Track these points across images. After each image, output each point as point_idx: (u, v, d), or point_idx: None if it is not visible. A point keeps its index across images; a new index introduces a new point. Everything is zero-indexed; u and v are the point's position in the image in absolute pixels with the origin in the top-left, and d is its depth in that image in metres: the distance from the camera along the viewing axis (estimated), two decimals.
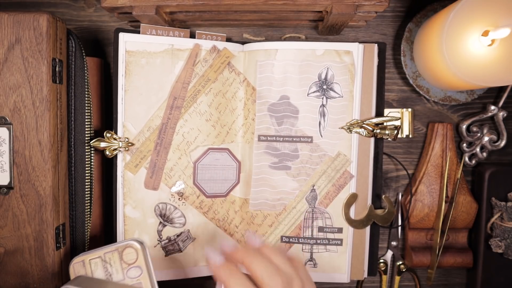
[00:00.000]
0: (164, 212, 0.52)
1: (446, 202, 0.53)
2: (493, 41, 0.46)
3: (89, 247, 0.51)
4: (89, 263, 0.44)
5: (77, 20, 0.56)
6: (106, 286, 0.43)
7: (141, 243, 0.45)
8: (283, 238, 0.53)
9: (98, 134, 0.51)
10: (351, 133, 0.52)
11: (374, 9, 0.46)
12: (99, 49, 0.56)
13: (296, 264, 0.38)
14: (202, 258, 0.53)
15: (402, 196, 0.56)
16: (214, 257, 0.36)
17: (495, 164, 0.56)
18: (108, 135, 0.49)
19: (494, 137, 0.55)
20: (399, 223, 0.56)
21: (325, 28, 0.51)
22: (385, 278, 0.57)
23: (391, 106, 0.56)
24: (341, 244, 0.52)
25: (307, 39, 0.55)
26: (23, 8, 0.56)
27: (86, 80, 0.48)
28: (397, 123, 0.54)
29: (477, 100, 0.55)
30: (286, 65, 0.51)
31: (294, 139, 0.52)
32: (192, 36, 0.52)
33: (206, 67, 0.51)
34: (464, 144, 0.55)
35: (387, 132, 0.51)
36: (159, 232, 0.52)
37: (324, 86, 0.51)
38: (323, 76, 0.51)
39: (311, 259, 0.53)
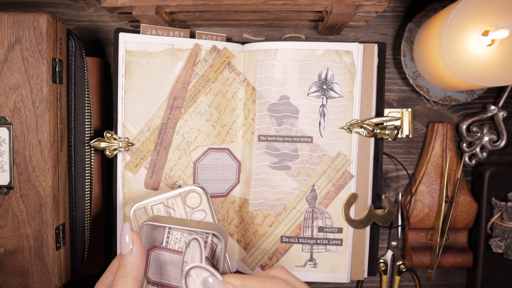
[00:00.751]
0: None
1: (446, 202, 0.53)
2: (493, 41, 0.46)
3: (89, 247, 0.51)
4: (151, 209, 0.45)
5: (77, 20, 0.56)
6: (183, 221, 0.44)
7: (202, 188, 0.46)
8: (283, 238, 0.53)
9: (98, 134, 0.51)
10: (351, 133, 0.52)
11: (374, 9, 0.46)
12: (99, 49, 0.56)
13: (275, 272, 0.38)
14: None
15: (402, 196, 0.56)
16: None
17: (495, 164, 0.56)
18: (108, 135, 0.49)
19: (494, 137, 0.55)
20: (399, 223, 0.56)
21: (325, 28, 0.51)
22: (385, 278, 0.57)
23: (391, 106, 0.56)
24: (341, 244, 0.52)
25: (307, 39, 0.55)
26: (23, 8, 0.56)
27: (86, 80, 0.48)
28: (397, 123, 0.54)
29: (477, 100, 0.55)
30: (286, 65, 0.51)
31: (294, 139, 0.52)
32: (192, 36, 0.52)
33: (206, 67, 0.51)
34: (464, 144, 0.55)
35: (387, 132, 0.51)
36: None
37: (324, 86, 0.51)
38: (323, 76, 0.51)
39: (311, 259, 0.53)
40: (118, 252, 0.50)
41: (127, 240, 0.37)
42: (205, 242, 0.42)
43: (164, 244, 0.43)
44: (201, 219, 0.45)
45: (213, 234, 0.42)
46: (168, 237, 0.43)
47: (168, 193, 0.45)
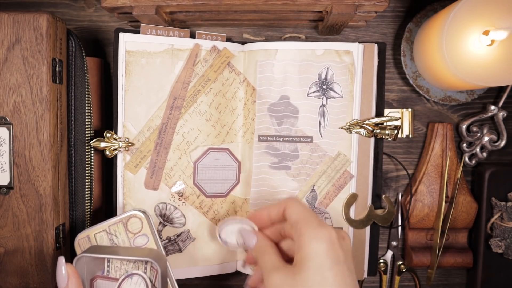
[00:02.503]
0: (164, 212, 0.52)
1: (446, 202, 0.53)
2: (493, 41, 0.46)
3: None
4: (94, 237, 0.45)
5: (77, 20, 0.56)
6: (119, 250, 0.43)
7: (143, 212, 0.45)
8: None
9: (98, 134, 0.51)
10: (351, 133, 0.52)
11: (374, 9, 0.46)
12: (99, 49, 0.56)
13: None
14: (202, 258, 0.53)
15: (402, 196, 0.56)
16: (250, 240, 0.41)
17: (495, 164, 0.56)
18: (108, 135, 0.49)
19: (494, 137, 0.55)
20: (399, 223, 0.56)
21: (325, 28, 0.51)
22: (385, 278, 0.57)
23: (391, 106, 0.56)
24: None
25: (307, 39, 0.55)
26: (23, 8, 0.56)
27: (86, 80, 0.48)
28: (397, 123, 0.54)
29: (477, 100, 0.55)
30: (286, 65, 0.51)
31: (294, 139, 0.52)
32: (192, 36, 0.52)
33: (206, 67, 0.51)
34: (464, 144, 0.55)
35: (387, 132, 0.51)
36: (159, 232, 0.52)
37: (324, 86, 0.51)
38: (323, 76, 0.51)
39: None
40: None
41: (63, 272, 0.39)
42: (145, 269, 0.43)
43: (105, 273, 0.44)
44: (143, 244, 0.45)
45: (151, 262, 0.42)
46: (108, 266, 0.44)
47: (110, 220, 0.45)
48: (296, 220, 0.37)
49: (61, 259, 0.40)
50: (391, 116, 0.52)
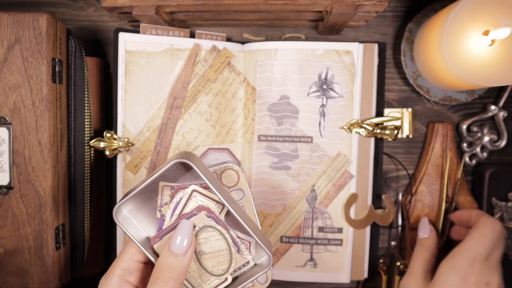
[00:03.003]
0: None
1: (446, 202, 0.53)
2: (493, 41, 0.46)
3: (89, 247, 0.51)
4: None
5: (77, 20, 0.56)
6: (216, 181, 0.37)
7: (239, 165, 0.40)
8: (283, 238, 0.53)
9: (98, 134, 0.51)
10: (351, 133, 0.52)
11: (374, 9, 0.46)
12: (99, 49, 0.56)
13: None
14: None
15: (402, 196, 0.56)
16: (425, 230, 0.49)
17: (496, 164, 0.55)
18: (108, 135, 0.49)
19: (495, 137, 0.55)
20: (399, 223, 0.55)
21: (325, 28, 0.51)
22: (385, 278, 0.57)
23: (391, 106, 0.56)
24: (341, 244, 0.52)
25: (307, 39, 0.55)
26: (23, 8, 0.56)
27: (86, 80, 0.48)
28: (397, 123, 0.54)
29: (478, 100, 0.55)
30: (286, 65, 0.51)
31: (294, 139, 0.52)
32: (192, 36, 0.52)
33: (206, 67, 0.51)
34: (465, 144, 0.55)
35: (387, 132, 0.51)
36: None
37: (324, 86, 0.51)
38: (323, 76, 0.51)
39: (311, 259, 0.53)
40: (119, 248, 0.50)
41: (185, 243, 0.34)
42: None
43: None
44: (238, 199, 0.40)
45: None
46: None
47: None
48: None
49: (189, 225, 0.35)
50: (391, 116, 0.52)
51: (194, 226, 0.36)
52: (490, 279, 0.41)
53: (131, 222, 0.37)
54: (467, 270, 0.41)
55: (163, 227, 0.37)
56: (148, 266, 0.38)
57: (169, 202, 0.37)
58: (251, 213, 0.40)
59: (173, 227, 0.36)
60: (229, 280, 0.37)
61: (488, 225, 0.43)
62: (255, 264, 0.38)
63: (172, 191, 0.37)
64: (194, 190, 0.36)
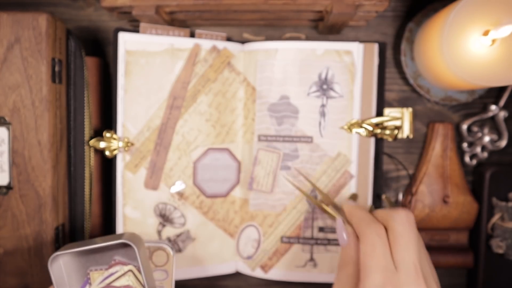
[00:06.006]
0: (164, 212, 0.51)
1: (446, 202, 0.53)
2: (493, 41, 0.46)
3: None
4: None
5: (76, 20, 0.56)
6: (97, 242, 0.40)
7: (172, 248, 0.44)
8: (283, 238, 0.53)
9: (98, 134, 0.51)
10: (351, 133, 0.51)
11: (375, 9, 0.46)
12: (99, 49, 0.56)
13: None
14: (202, 258, 0.53)
15: (402, 196, 0.56)
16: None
17: (496, 164, 0.55)
18: (107, 135, 0.49)
19: (495, 137, 0.55)
20: None
21: (325, 27, 0.51)
22: None
23: (391, 106, 0.56)
24: None
25: (307, 39, 0.55)
26: (23, 8, 0.56)
27: (85, 80, 0.48)
28: (398, 123, 0.54)
29: (478, 100, 0.55)
30: (286, 65, 0.51)
31: (294, 139, 0.52)
32: (192, 36, 0.52)
33: (206, 67, 0.51)
34: (465, 144, 0.55)
35: (387, 132, 0.51)
36: (159, 233, 0.51)
37: (324, 86, 0.51)
38: (323, 76, 0.51)
39: (311, 259, 0.53)
40: None
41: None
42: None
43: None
44: (161, 279, 0.43)
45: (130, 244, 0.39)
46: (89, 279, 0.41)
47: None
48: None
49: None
50: (391, 116, 0.52)
51: None
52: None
53: (62, 273, 0.39)
54: None
55: None
56: None
57: (102, 269, 0.40)
58: None
59: None
60: None
61: (403, 222, 0.36)
62: None
63: (113, 262, 0.40)
64: (130, 270, 0.40)
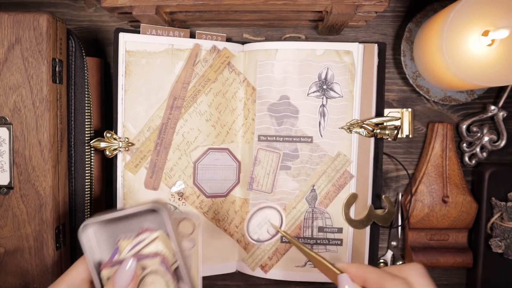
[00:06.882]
0: None
1: (446, 202, 0.53)
2: (493, 41, 0.46)
3: None
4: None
5: (77, 20, 0.56)
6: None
7: (198, 218, 0.43)
8: (283, 238, 0.53)
9: (98, 134, 0.51)
10: (351, 133, 0.52)
11: (374, 9, 0.46)
12: (99, 49, 0.56)
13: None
14: (202, 258, 0.53)
15: (402, 196, 0.56)
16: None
17: (495, 164, 0.56)
18: (108, 135, 0.49)
19: (494, 137, 0.55)
20: (399, 223, 0.56)
21: (325, 28, 0.51)
22: None
23: (391, 106, 0.56)
24: (341, 244, 0.52)
25: (307, 39, 0.55)
26: (23, 8, 0.56)
27: (86, 80, 0.48)
28: (397, 123, 0.54)
29: (477, 100, 0.55)
30: (286, 65, 0.51)
31: (294, 139, 0.52)
32: (192, 36, 0.52)
33: (206, 67, 0.51)
34: (464, 144, 0.55)
35: (387, 132, 0.51)
36: None
37: (324, 86, 0.51)
38: (323, 76, 0.51)
39: None
40: None
41: (127, 281, 0.36)
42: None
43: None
44: (188, 248, 0.42)
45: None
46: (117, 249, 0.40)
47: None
48: None
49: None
50: (391, 116, 0.52)
51: (145, 268, 0.38)
52: None
53: (92, 242, 0.39)
54: None
55: (114, 259, 0.39)
56: (93, 287, 0.39)
57: (131, 237, 0.39)
58: (196, 266, 0.42)
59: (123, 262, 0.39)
60: None
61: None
62: None
63: (141, 229, 0.39)
64: (159, 236, 0.39)
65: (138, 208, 0.38)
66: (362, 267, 0.37)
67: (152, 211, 0.39)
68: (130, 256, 0.37)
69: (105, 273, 0.38)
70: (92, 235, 0.39)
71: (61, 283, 0.38)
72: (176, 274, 0.39)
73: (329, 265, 0.38)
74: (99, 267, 0.38)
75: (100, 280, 0.38)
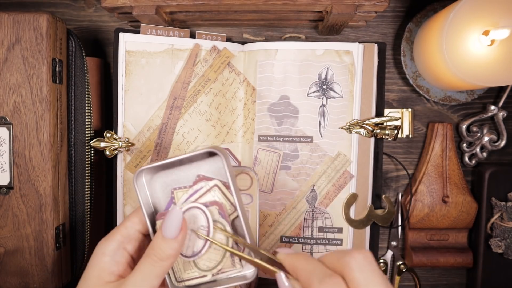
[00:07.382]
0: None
1: (446, 202, 0.53)
2: (493, 41, 0.46)
3: (89, 247, 0.51)
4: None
5: (77, 20, 0.56)
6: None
7: (255, 173, 0.41)
8: (283, 238, 0.53)
9: (98, 134, 0.51)
10: (351, 133, 0.52)
11: (374, 9, 0.46)
12: (99, 49, 0.56)
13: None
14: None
15: (402, 196, 0.56)
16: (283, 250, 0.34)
17: (495, 164, 0.56)
18: (108, 135, 0.49)
19: (494, 137, 0.55)
20: (399, 223, 0.56)
21: (325, 28, 0.51)
22: None
23: (391, 106, 0.56)
24: (341, 244, 0.52)
25: (307, 39, 0.55)
26: (23, 8, 0.56)
27: (86, 80, 0.48)
28: (397, 123, 0.54)
29: (477, 100, 0.55)
30: (286, 65, 0.51)
31: (294, 139, 0.52)
32: (192, 36, 0.52)
33: (206, 67, 0.51)
34: (464, 144, 0.55)
35: (387, 132, 0.51)
36: None
37: (324, 86, 0.51)
38: (323, 76, 0.51)
39: None
40: None
41: (175, 230, 0.34)
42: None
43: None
44: (246, 203, 0.40)
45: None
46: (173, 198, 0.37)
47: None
48: None
49: (179, 212, 0.34)
50: (391, 116, 0.52)
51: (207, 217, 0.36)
52: None
53: (145, 191, 0.38)
54: None
55: (170, 208, 0.37)
56: (147, 239, 0.38)
57: (186, 187, 0.38)
58: (254, 220, 0.40)
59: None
60: (208, 278, 0.38)
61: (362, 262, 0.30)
62: (239, 272, 0.38)
63: (197, 178, 0.37)
64: (216, 185, 0.37)
65: (195, 152, 0.36)
66: (292, 260, 0.33)
67: (208, 159, 0.37)
68: (180, 206, 0.35)
69: (159, 223, 0.36)
70: (146, 183, 0.38)
71: (116, 233, 0.37)
72: (233, 224, 0.37)
73: (267, 265, 0.35)
74: (153, 218, 0.37)
75: (155, 231, 0.37)
